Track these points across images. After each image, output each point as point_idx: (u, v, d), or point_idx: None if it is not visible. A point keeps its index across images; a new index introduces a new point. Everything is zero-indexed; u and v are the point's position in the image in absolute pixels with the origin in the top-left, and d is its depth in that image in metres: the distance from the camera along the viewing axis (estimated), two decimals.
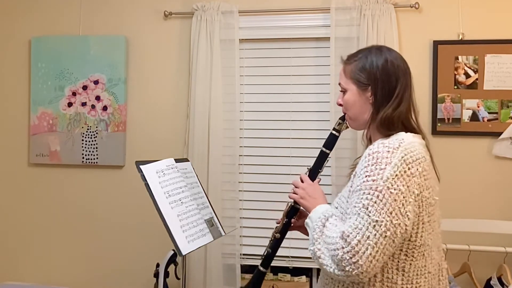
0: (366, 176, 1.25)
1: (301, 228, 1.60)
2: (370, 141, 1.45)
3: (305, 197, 1.47)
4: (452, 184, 2.47)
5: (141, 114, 2.77)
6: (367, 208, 1.21)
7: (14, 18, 2.88)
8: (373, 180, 1.23)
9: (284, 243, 2.35)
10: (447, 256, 2.27)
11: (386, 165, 1.24)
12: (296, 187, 1.52)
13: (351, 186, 1.33)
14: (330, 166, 2.42)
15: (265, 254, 1.63)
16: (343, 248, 1.20)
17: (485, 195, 2.46)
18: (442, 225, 2.27)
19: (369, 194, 1.22)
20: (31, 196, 2.84)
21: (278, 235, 1.59)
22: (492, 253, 2.26)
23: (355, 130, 1.54)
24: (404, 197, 1.22)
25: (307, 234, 1.59)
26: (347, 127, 1.52)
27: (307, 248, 1.38)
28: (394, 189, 1.21)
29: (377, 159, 1.25)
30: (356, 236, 1.19)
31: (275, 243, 1.61)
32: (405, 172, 1.24)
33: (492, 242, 2.28)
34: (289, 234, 1.76)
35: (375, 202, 1.21)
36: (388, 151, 1.26)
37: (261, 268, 1.62)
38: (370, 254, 1.18)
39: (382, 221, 1.19)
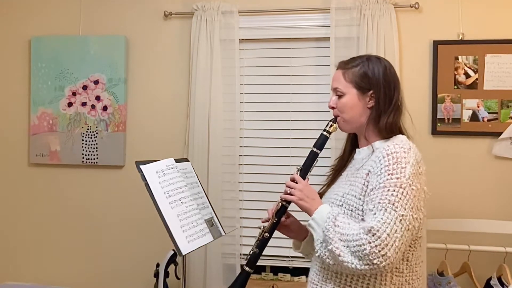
0: (389, 174, 1.33)
1: (286, 228, 1.66)
2: (364, 140, 1.52)
3: (304, 199, 1.48)
4: (452, 184, 2.47)
5: (141, 114, 2.77)
6: (394, 204, 1.29)
7: (14, 18, 2.88)
8: (397, 178, 1.32)
9: (285, 243, 2.34)
10: (447, 256, 2.28)
11: (405, 164, 1.34)
12: (291, 188, 1.52)
13: (364, 185, 1.39)
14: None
15: (251, 253, 1.60)
16: (370, 243, 1.25)
17: (485, 195, 2.46)
18: (442, 225, 2.29)
19: (394, 191, 1.31)
20: (31, 196, 2.84)
21: (267, 234, 1.58)
22: (492, 253, 2.26)
23: (344, 132, 1.59)
24: (419, 194, 1.35)
25: (290, 236, 1.69)
26: (335, 129, 1.57)
27: None
28: (415, 186, 1.33)
29: (397, 158, 1.34)
30: (385, 230, 1.26)
31: (263, 243, 1.59)
32: (417, 170, 1.36)
33: (492, 242, 2.28)
34: None
35: (400, 198, 1.30)
36: (404, 151, 1.36)
37: (247, 268, 1.59)
38: (397, 246, 1.27)
39: (406, 216, 1.29)
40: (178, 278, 2.29)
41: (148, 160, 1.92)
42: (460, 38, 2.49)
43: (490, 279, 2.26)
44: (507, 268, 2.19)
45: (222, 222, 2.16)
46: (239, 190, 2.62)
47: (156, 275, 2.32)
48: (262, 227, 1.60)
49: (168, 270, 2.31)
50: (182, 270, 2.11)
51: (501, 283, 2.20)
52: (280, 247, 2.52)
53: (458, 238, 2.31)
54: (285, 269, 2.61)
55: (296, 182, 1.52)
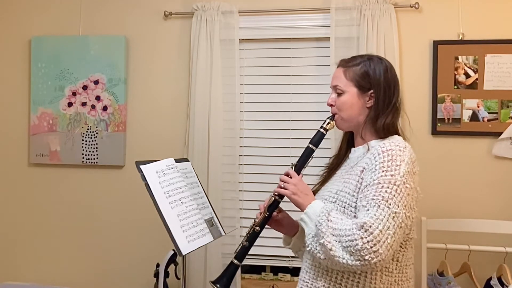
0: (383, 171, 1.33)
1: (277, 222, 1.66)
2: (360, 139, 1.52)
3: (297, 193, 1.48)
4: (452, 184, 2.47)
5: (141, 114, 2.77)
6: (387, 201, 1.30)
7: (14, 18, 2.88)
8: (391, 175, 1.32)
9: None
10: (447, 256, 2.28)
11: (400, 162, 1.34)
12: (285, 182, 1.52)
13: (358, 181, 1.39)
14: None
15: (240, 246, 1.60)
16: (362, 238, 1.25)
17: (485, 195, 2.46)
18: (442, 225, 2.29)
19: (388, 187, 1.31)
20: (31, 196, 2.84)
21: (257, 228, 1.58)
22: (492, 253, 2.26)
23: (342, 130, 1.60)
24: (413, 193, 1.35)
25: (281, 231, 1.69)
26: (333, 127, 1.57)
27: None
28: (408, 185, 1.33)
29: (392, 156, 1.35)
30: (378, 226, 1.26)
31: (254, 236, 1.59)
32: (411, 169, 1.37)
33: (492, 242, 2.28)
34: None
35: (394, 196, 1.30)
36: (400, 150, 1.37)
37: (235, 261, 1.60)
38: (389, 243, 1.27)
39: (399, 213, 1.30)
40: (178, 278, 2.29)
41: (148, 160, 1.92)
42: (460, 38, 2.49)
43: (490, 279, 2.26)
44: (507, 268, 2.19)
45: (222, 222, 2.16)
46: (239, 190, 2.62)
47: (156, 275, 2.32)
48: (253, 221, 1.60)
49: (168, 270, 2.31)
50: (182, 270, 2.11)
51: (501, 283, 2.20)
52: (280, 247, 2.52)
53: (458, 238, 2.31)
54: (285, 269, 2.61)
55: (291, 177, 1.52)
